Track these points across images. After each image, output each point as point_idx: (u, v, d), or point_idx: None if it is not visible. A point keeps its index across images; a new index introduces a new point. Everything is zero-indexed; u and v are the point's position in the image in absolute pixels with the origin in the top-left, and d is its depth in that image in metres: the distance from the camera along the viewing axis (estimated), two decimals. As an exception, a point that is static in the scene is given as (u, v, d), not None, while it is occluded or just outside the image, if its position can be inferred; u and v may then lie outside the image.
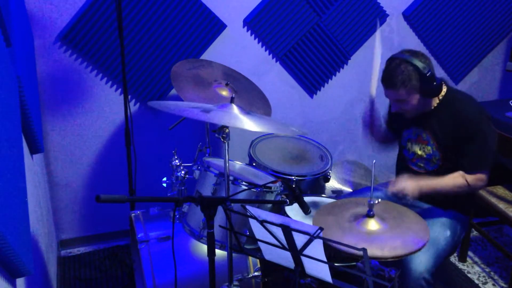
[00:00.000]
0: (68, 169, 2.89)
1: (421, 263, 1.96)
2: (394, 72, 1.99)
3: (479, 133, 2.03)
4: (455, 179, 2.05)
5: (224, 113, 1.80)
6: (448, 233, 2.12)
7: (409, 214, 1.85)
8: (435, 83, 2.01)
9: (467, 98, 2.13)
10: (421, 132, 2.18)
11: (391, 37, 3.22)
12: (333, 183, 2.96)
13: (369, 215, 1.75)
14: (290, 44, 3.02)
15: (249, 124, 1.75)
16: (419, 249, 1.65)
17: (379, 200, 1.78)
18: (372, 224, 1.74)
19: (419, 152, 2.20)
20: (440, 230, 2.11)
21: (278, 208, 2.14)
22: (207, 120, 1.76)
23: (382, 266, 1.79)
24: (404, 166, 2.30)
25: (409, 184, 1.99)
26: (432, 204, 2.23)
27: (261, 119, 1.87)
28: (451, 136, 2.08)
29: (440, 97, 2.10)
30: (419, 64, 1.97)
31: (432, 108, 2.12)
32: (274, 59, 3.06)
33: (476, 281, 2.78)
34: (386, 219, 1.77)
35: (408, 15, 3.18)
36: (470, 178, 2.04)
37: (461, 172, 2.06)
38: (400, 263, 1.98)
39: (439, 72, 3.37)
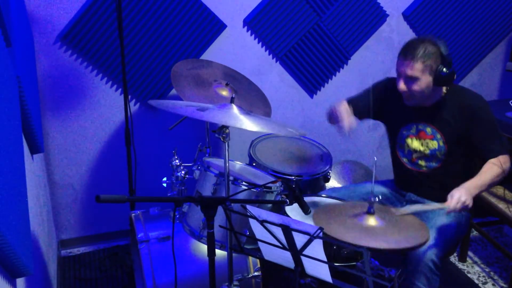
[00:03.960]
0: (68, 169, 2.89)
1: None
2: (417, 45, 2.00)
3: (490, 118, 2.09)
4: (491, 170, 2.04)
5: (220, 112, 1.80)
6: (453, 223, 2.13)
7: (407, 217, 1.85)
8: (450, 70, 2.01)
9: (469, 89, 2.19)
10: (425, 127, 2.17)
11: (391, 37, 3.22)
12: (333, 183, 2.96)
13: (370, 212, 1.75)
14: (290, 44, 3.02)
15: (247, 124, 1.74)
16: (424, 243, 1.64)
17: (379, 197, 1.78)
18: (372, 222, 1.74)
19: (421, 149, 2.19)
20: (445, 220, 2.11)
21: (278, 208, 2.14)
22: (201, 119, 1.75)
23: (382, 266, 1.79)
24: (403, 169, 2.28)
25: (463, 194, 1.91)
26: (435, 201, 2.22)
27: (260, 120, 1.87)
28: (461, 127, 2.08)
29: (445, 91, 2.12)
30: (442, 47, 2.01)
31: (436, 101, 2.12)
32: (274, 59, 3.06)
33: (476, 281, 2.78)
34: (385, 218, 1.77)
35: (408, 15, 3.18)
36: (500, 162, 2.05)
37: (490, 162, 2.06)
38: (402, 260, 1.98)
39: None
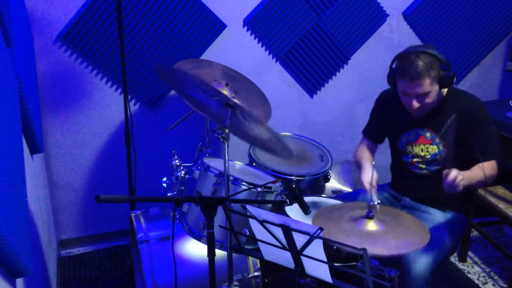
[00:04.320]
0: (68, 169, 2.89)
1: (421, 263, 1.96)
2: (415, 62, 1.95)
3: (488, 122, 2.09)
4: (480, 171, 2.03)
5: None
6: (447, 234, 2.12)
7: (407, 217, 1.85)
8: (452, 72, 2.00)
9: (467, 92, 2.19)
10: (424, 132, 2.16)
11: (391, 37, 3.22)
12: (333, 183, 2.96)
13: (369, 216, 1.75)
14: (290, 44, 3.02)
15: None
16: (423, 246, 1.65)
17: (379, 201, 1.78)
18: (372, 226, 1.74)
19: (422, 154, 2.18)
20: (439, 231, 2.10)
21: (278, 208, 2.14)
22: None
23: (382, 266, 1.79)
24: (405, 170, 2.27)
25: (459, 174, 1.89)
26: (430, 206, 2.23)
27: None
28: (460, 130, 2.07)
29: (445, 94, 2.11)
30: (436, 52, 1.98)
31: (436, 105, 2.11)
32: (274, 59, 3.06)
33: (476, 281, 2.78)
34: (385, 221, 1.77)
35: (408, 15, 3.18)
36: (490, 165, 2.06)
37: (481, 164, 2.05)
38: (400, 263, 1.98)
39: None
